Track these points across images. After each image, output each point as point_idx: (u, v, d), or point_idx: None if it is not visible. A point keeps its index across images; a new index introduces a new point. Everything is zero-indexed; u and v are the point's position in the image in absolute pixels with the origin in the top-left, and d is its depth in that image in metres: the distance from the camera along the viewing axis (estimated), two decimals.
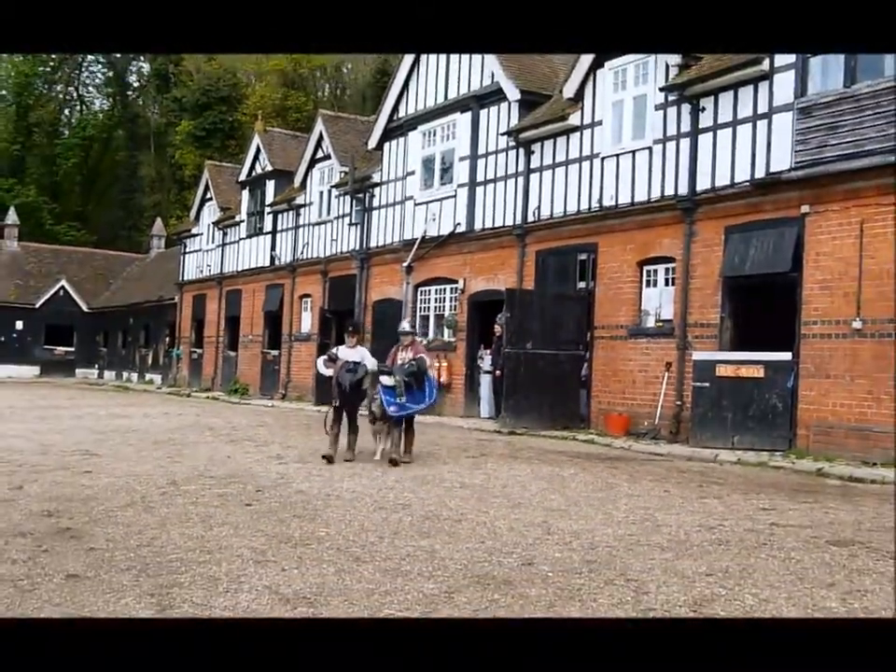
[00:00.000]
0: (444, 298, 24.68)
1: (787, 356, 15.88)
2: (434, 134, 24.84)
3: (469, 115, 23.39)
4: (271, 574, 6.86)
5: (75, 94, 73.02)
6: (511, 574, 6.93)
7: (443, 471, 12.93)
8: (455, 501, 10.35)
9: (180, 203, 55.72)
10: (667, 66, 18.14)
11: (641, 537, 8.44)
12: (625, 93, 19.32)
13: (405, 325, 14.28)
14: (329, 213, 30.24)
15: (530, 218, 21.43)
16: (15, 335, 49.20)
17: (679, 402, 17.63)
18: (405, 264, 25.53)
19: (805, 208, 15.72)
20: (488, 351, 22.53)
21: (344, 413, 13.54)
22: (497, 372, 20.79)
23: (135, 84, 71.89)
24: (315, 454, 15.01)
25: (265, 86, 53.76)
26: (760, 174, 16.37)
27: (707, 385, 16.53)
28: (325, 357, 13.88)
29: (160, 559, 7.27)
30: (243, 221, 35.59)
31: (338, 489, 11.08)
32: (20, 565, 6.94)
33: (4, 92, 70.23)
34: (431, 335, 24.96)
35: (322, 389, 14.28)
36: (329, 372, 13.48)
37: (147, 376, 44.44)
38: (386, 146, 27.03)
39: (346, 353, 13.68)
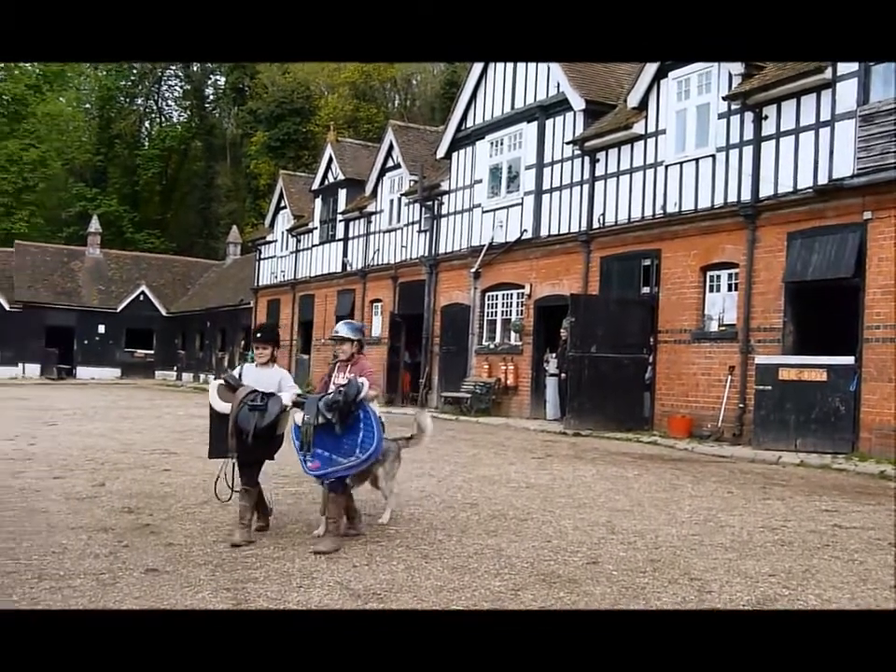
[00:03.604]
0: (511, 303, 25.03)
1: (849, 359, 15.85)
2: (501, 143, 25.25)
3: (535, 124, 23.76)
4: (342, 570, 7.01)
5: (154, 107, 74.48)
6: (577, 572, 7.03)
7: (510, 472, 13.05)
8: (522, 501, 10.44)
9: (255, 212, 56.52)
10: (730, 75, 18.33)
11: (705, 537, 8.48)
12: (689, 102, 19.55)
13: (342, 328, 8.46)
14: (398, 220, 30.75)
15: (595, 225, 21.72)
16: (98, 338, 50.46)
17: (741, 405, 17.75)
18: (473, 270, 25.95)
19: (867, 214, 15.74)
20: (554, 354, 22.84)
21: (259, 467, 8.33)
22: (563, 375, 21.09)
23: (212, 97, 73.14)
24: None
25: (337, 98, 54.41)
26: (822, 180, 16.42)
27: (770, 388, 16.55)
28: (221, 380, 8.39)
29: (235, 555, 7.47)
30: (315, 228, 36.25)
31: (407, 489, 11.12)
32: (101, 559, 7.21)
33: (88, 106, 71.99)
34: (498, 339, 25.35)
35: (218, 432, 8.25)
36: (224, 408, 8.06)
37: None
38: (455, 155, 27.48)
39: (255, 375, 8.29)
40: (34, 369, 48.28)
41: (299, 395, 8.13)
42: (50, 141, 63.15)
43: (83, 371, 49.38)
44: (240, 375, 8.40)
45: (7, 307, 48.29)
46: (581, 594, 6.41)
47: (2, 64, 61.46)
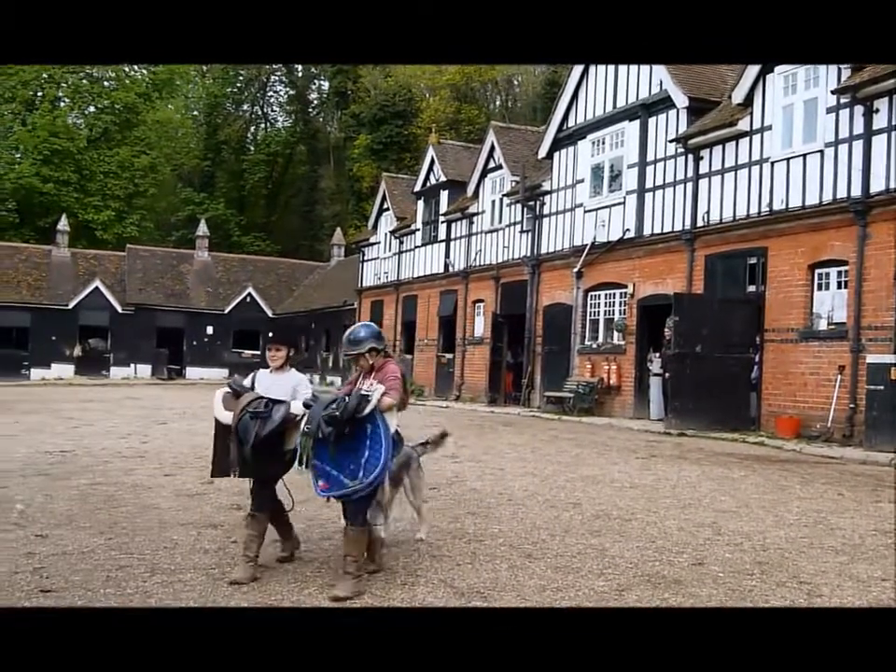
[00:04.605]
0: (613, 302, 24.91)
1: None
2: (603, 143, 25.15)
3: (637, 122, 23.61)
4: (445, 568, 7.10)
5: (260, 113, 75.76)
6: (682, 574, 7.02)
7: (613, 471, 13.01)
8: (625, 501, 10.41)
9: (358, 214, 57.07)
10: (839, 69, 17.97)
11: (814, 539, 8.35)
12: (795, 97, 19.22)
13: (358, 330, 7.16)
14: (500, 221, 30.83)
15: (699, 223, 21.50)
16: (206, 339, 51.60)
17: (852, 405, 17.37)
18: (575, 270, 25.90)
19: None
20: (657, 354, 22.68)
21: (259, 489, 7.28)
22: (666, 375, 20.93)
23: (316, 101, 74.14)
24: (488, 452, 15.52)
25: (439, 100, 54.68)
26: None
27: (882, 388, 16.17)
28: (226, 388, 7.37)
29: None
30: (418, 230, 36.54)
31: (510, 488, 11.27)
32: (211, 554, 7.43)
33: (196, 113, 73.67)
34: (601, 339, 25.26)
35: (223, 447, 7.14)
36: (227, 418, 7.08)
37: (329, 378, 46.02)
38: (556, 155, 27.46)
39: (268, 381, 7.33)
40: (145, 369, 49.63)
41: (312, 400, 6.87)
42: (160, 147, 64.73)
43: (192, 372, 50.57)
44: (253, 381, 7.39)
45: (119, 309, 49.69)
46: (686, 595, 6.40)
47: (113, 74, 63.32)
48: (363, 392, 6.55)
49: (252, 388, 7.24)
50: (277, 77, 72.95)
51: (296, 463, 6.69)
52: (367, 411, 6.42)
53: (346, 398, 6.48)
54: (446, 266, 34.20)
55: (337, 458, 6.47)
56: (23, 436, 17.54)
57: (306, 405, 6.72)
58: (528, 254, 28.71)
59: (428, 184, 35.93)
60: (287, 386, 7.22)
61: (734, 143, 20.65)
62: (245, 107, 74.47)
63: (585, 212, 25.55)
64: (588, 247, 25.17)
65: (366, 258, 42.49)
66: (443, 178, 34.55)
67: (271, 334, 8.16)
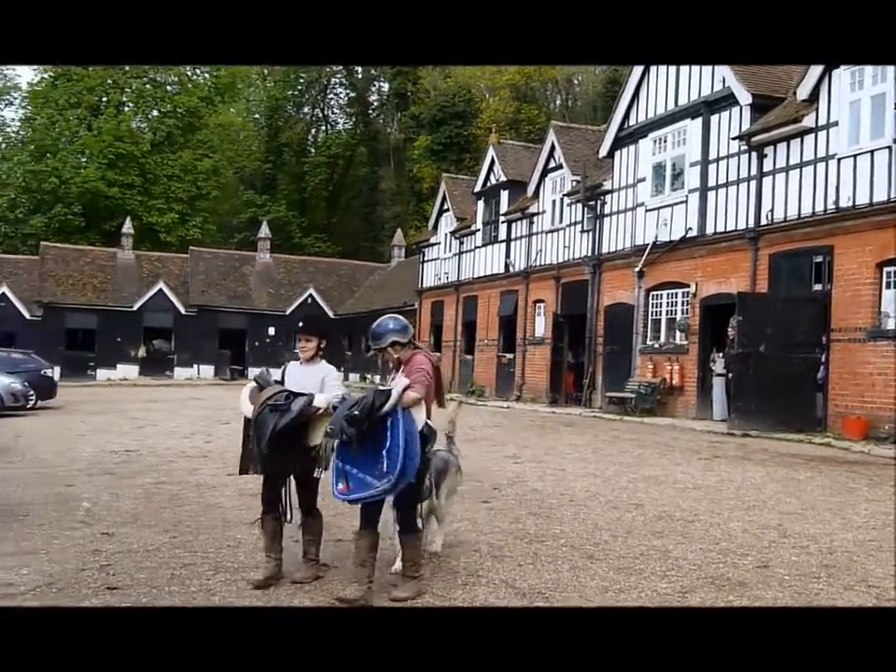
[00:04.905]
0: (676, 302, 24.68)
1: None
2: (665, 141, 24.95)
3: (699, 120, 23.38)
4: (507, 569, 7.10)
5: (320, 115, 76.20)
6: (746, 576, 6.95)
7: (676, 472, 12.93)
8: (688, 502, 10.35)
9: (419, 215, 57.25)
10: None
11: (882, 542, 8.21)
12: (863, 93, 18.88)
13: (384, 323, 6.97)
14: (561, 220, 30.71)
15: (763, 222, 21.21)
16: (268, 340, 52.03)
17: None
18: (636, 269, 25.72)
19: None
20: (721, 354, 22.44)
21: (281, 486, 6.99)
22: (730, 375, 20.71)
23: (376, 103, 74.50)
24: (549, 452, 15.49)
25: (498, 100, 54.64)
26: None
27: None
28: (253, 382, 7.08)
29: (393, 554, 7.41)
30: (478, 230, 36.52)
31: (571, 488, 11.26)
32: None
33: (257, 116, 74.49)
34: (663, 338, 25.06)
35: (248, 442, 6.95)
36: (249, 410, 6.82)
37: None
38: (617, 154, 27.29)
39: (298, 374, 7.08)
40: (207, 370, 50.21)
41: (339, 402, 6.44)
42: (222, 150, 65.54)
43: (254, 372, 50.94)
44: (283, 375, 7.12)
45: (182, 311, 50.37)
46: (751, 598, 6.34)
47: (176, 78, 64.23)
48: (381, 388, 6.33)
49: (282, 382, 6.96)
50: (338, 80, 73.44)
51: (318, 466, 6.46)
52: (387, 408, 6.10)
53: (365, 398, 6.19)
54: (507, 266, 34.15)
55: (360, 458, 6.15)
56: (90, 436, 17.87)
57: (333, 406, 6.42)
58: (589, 253, 28.57)
59: (488, 184, 35.92)
60: (317, 379, 6.95)
61: (798, 139, 20.34)
62: (306, 110, 75.01)
63: (647, 211, 25.36)
64: (650, 247, 24.99)
65: (426, 258, 42.58)
66: (503, 178, 34.51)
67: (301, 324, 7.48)
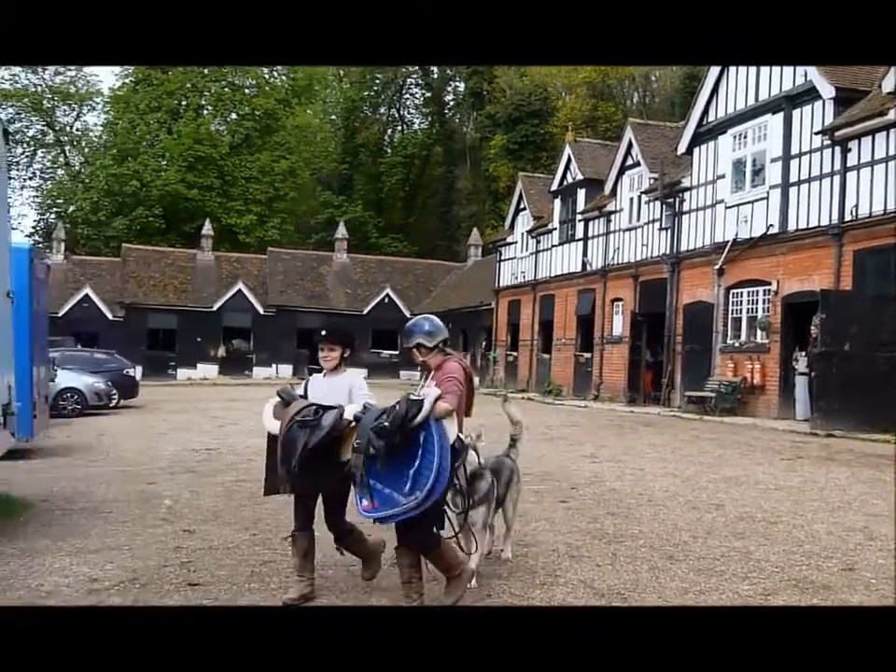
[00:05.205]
0: (756, 300, 24.30)
1: None
2: (745, 137, 24.58)
3: (780, 115, 22.97)
4: (585, 569, 7.07)
5: (396, 115, 76.57)
6: (831, 579, 6.84)
7: (757, 473, 12.76)
8: (770, 503, 10.20)
9: (495, 214, 57.23)
10: None
11: None
12: None
13: (418, 322, 6.69)
14: (639, 218, 30.47)
15: (847, 217, 20.78)
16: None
17: None
18: (716, 267, 25.38)
19: None
20: (804, 353, 22.03)
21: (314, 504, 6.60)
22: (813, 374, 20.33)
23: (451, 103, 74.64)
24: (627, 452, 15.37)
25: (575, 98, 54.41)
26: None
27: None
28: (277, 397, 6.55)
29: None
30: (555, 229, 36.40)
31: (650, 488, 11.18)
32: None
33: (333, 117, 75.14)
34: (744, 337, 24.69)
35: (274, 461, 6.33)
36: (275, 427, 6.37)
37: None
38: (696, 150, 26.97)
39: (322, 386, 6.65)
40: (286, 369, 50.71)
41: (362, 412, 6.01)
42: (299, 152, 66.24)
43: None
44: (305, 388, 6.67)
45: (261, 311, 51.04)
46: (836, 601, 6.24)
47: (254, 81, 65.12)
48: (413, 397, 5.84)
49: (305, 396, 6.51)
50: (413, 80, 73.70)
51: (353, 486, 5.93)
52: (419, 419, 5.65)
53: (396, 405, 5.75)
54: (584, 265, 33.99)
55: (386, 473, 5.69)
56: (171, 434, 18.18)
57: (356, 418, 5.96)
58: (668, 251, 28.29)
59: (565, 182, 35.77)
60: (343, 390, 6.49)
61: (884, 133, 19.87)
62: (382, 110, 75.41)
63: (726, 208, 25.01)
64: (730, 244, 24.63)
65: (503, 257, 42.55)
66: (580, 177, 34.35)
67: (322, 332, 6.89)
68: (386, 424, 5.65)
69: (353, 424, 6.01)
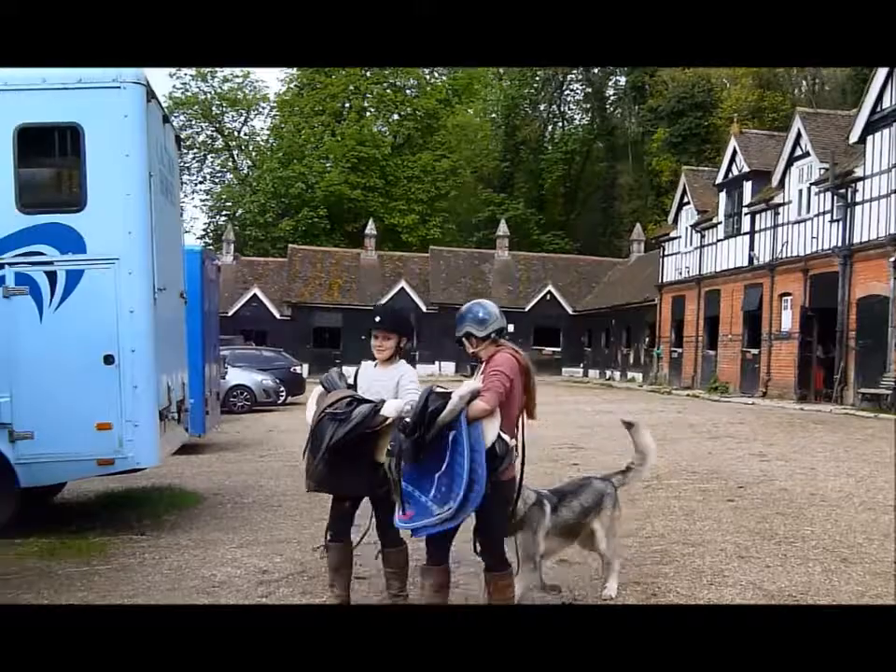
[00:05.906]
0: None
1: None
2: None
3: None
4: (754, 570, 6.98)
5: (557, 112, 76.39)
6: None
7: None
8: None
9: (658, 209, 56.51)
10: None
11: None
12: None
13: (471, 308, 5.71)
14: (808, 211, 29.55)
15: None
16: (507, 337, 51.74)
17: None
18: (892, 259, 24.41)
19: None
20: None
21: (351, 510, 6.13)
22: None
23: (612, 97, 73.98)
24: (799, 451, 14.96)
25: (740, 89, 53.14)
26: None
27: None
28: (320, 384, 6.11)
29: (644, 549, 7.59)
30: (720, 223, 35.68)
31: (822, 488, 10.92)
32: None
33: (494, 115, 75.45)
34: None
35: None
36: (310, 417, 5.92)
37: (629, 374, 45.91)
38: (869, 139, 25.96)
39: (371, 377, 6.07)
40: (448, 367, 51.26)
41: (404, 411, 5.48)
42: (460, 151, 66.79)
43: None
44: (356, 375, 6.11)
45: (424, 308, 51.68)
46: None
47: (415, 81, 65.98)
48: (438, 389, 5.19)
49: (354, 385, 5.99)
50: (573, 76, 73.28)
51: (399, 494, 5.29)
52: (445, 417, 5.01)
53: (426, 401, 5.10)
54: (751, 259, 33.19)
55: (415, 476, 5.17)
56: None
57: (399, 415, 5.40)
58: (839, 244, 27.33)
59: (730, 175, 34.97)
60: (391, 383, 5.88)
61: None
62: (542, 107, 75.26)
63: None
64: None
65: (666, 252, 41.95)
66: (746, 169, 33.52)
67: (377, 318, 6.13)
68: (408, 420, 5.17)
69: (388, 421, 5.54)
